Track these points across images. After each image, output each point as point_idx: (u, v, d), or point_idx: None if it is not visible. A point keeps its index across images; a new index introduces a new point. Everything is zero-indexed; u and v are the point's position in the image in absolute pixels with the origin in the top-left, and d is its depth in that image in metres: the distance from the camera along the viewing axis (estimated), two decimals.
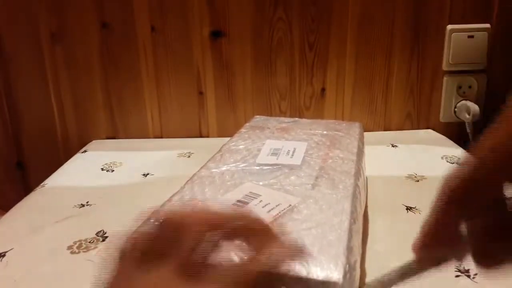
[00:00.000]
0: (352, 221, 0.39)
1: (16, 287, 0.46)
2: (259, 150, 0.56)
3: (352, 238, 0.36)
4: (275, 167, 0.50)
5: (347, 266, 0.32)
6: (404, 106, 0.98)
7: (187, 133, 0.99)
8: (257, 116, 0.74)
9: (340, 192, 0.44)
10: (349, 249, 0.34)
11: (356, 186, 0.46)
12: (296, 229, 0.36)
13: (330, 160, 0.52)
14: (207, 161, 0.53)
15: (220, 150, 0.57)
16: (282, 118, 0.72)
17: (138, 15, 0.91)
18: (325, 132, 0.63)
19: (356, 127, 0.66)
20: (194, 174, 0.50)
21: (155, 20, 0.91)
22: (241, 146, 0.58)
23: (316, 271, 0.31)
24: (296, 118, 0.71)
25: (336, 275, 0.30)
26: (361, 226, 0.44)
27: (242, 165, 0.51)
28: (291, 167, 0.50)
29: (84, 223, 0.59)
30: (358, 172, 0.51)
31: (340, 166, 0.51)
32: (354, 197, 0.44)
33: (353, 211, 0.41)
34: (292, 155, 0.54)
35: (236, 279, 0.23)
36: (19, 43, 0.92)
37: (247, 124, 0.69)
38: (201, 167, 0.52)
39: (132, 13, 0.91)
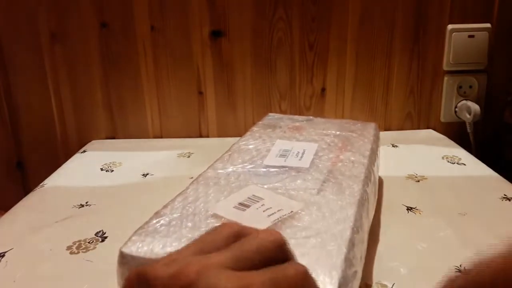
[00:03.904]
0: (355, 230, 0.37)
1: (16, 287, 0.46)
2: (268, 150, 0.55)
3: (353, 248, 0.35)
4: (282, 169, 0.49)
5: (343, 278, 0.31)
6: (404, 106, 0.98)
7: (187, 133, 0.99)
8: (271, 114, 0.72)
9: (346, 199, 0.42)
10: (348, 260, 0.33)
11: (363, 192, 0.45)
12: (295, 237, 0.35)
13: (340, 163, 0.51)
14: (215, 161, 0.53)
15: (229, 149, 0.56)
16: (296, 117, 0.70)
17: (138, 14, 0.91)
18: (338, 132, 0.61)
19: (371, 128, 0.64)
20: (200, 174, 0.49)
21: (155, 19, 0.91)
22: (251, 146, 0.57)
23: None
24: (311, 117, 0.70)
25: None
26: (366, 234, 0.42)
27: (249, 166, 0.50)
28: (298, 170, 0.49)
29: (83, 223, 0.59)
30: (368, 176, 0.49)
31: (350, 170, 0.49)
32: (361, 204, 0.42)
33: (357, 219, 0.39)
34: (301, 157, 0.53)
35: None
36: (19, 43, 0.92)
37: (260, 122, 0.68)
38: (208, 167, 0.51)
39: (132, 13, 0.90)
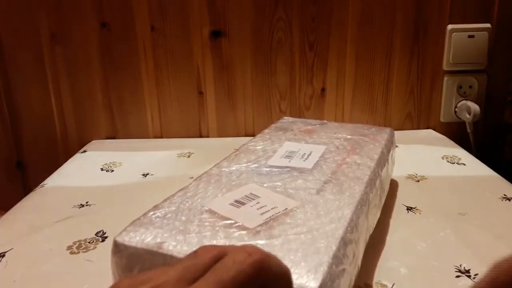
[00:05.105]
0: (349, 229, 0.37)
1: (16, 287, 0.46)
2: (274, 151, 0.55)
3: (346, 247, 0.35)
4: (285, 169, 0.49)
5: (329, 275, 0.31)
6: (404, 106, 0.98)
7: (187, 133, 0.99)
8: (286, 117, 0.73)
9: (345, 199, 0.42)
10: (337, 258, 0.33)
11: (365, 193, 0.45)
12: (285, 233, 0.35)
13: (345, 166, 0.50)
14: (222, 160, 0.53)
15: (237, 150, 0.57)
16: (310, 120, 0.70)
17: (138, 15, 0.91)
18: (349, 136, 0.61)
19: (385, 133, 0.64)
20: (205, 172, 0.50)
21: (155, 20, 0.91)
22: (258, 147, 0.57)
23: (293, 279, 0.30)
24: (325, 121, 0.70)
25: (312, 283, 0.30)
26: (363, 235, 0.42)
27: (253, 165, 0.51)
28: (301, 171, 0.49)
29: (83, 223, 0.59)
30: (373, 179, 0.49)
31: (354, 172, 0.49)
32: (360, 205, 0.42)
33: (353, 219, 0.39)
34: (306, 158, 0.52)
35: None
36: (19, 43, 0.92)
37: (273, 125, 0.68)
38: (214, 165, 0.52)
39: (132, 13, 0.91)
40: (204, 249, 0.24)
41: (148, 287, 0.21)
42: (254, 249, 0.23)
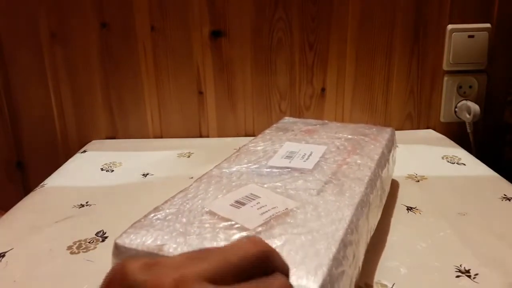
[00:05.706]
0: (349, 231, 0.37)
1: (16, 287, 0.46)
2: (275, 152, 0.55)
3: (345, 248, 0.35)
4: (285, 170, 0.49)
5: (328, 277, 0.31)
6: (404, 106, 0.98)
7: (187, 133, 0.99)
8: (287, 117, 0.73)
9: (345, 200, 0.42)
10: (336, 260, 0.33)
11: (365, 194, 0.44)
12: (285, 233, 0.35)
13: (345, 166, 0.50)
14: (222, 161, 0.53)
15: (238, 150, 0.57)
16: (311, 120, 0.70)
17: (138, 15, 0.91)
18: (350, 136, 0.60)
19: (386, 133, 0.63)
20: (206, 173, 0.50)
21: (155, 20, 0.91)
22: (259, 147, 0.57)
23: (293, 280, 0.30)
24: (326, 121, 0.70)
25: (312, 285, 0.30)
26: (363, 236, 0.42)
27: (254, 166, 0.50)
28: (301, 171, 0.49)
29: (83, 223, 0.59)
30: (374, 180, 0.48)
31: (354, 172, 0.49)
32: (361, 206, 0.42)
33: (353, 221, 0.39)
34: (307, 159, 0.52)
35: None
36: (19, 43, 0.92)
37: (274, 125, 0.68)
38: (215, 166, 0.52)
39: (132, 13, 0.91)
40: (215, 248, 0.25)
41: (150, 263, 0.21)
42: (259, 240, 0.24)
